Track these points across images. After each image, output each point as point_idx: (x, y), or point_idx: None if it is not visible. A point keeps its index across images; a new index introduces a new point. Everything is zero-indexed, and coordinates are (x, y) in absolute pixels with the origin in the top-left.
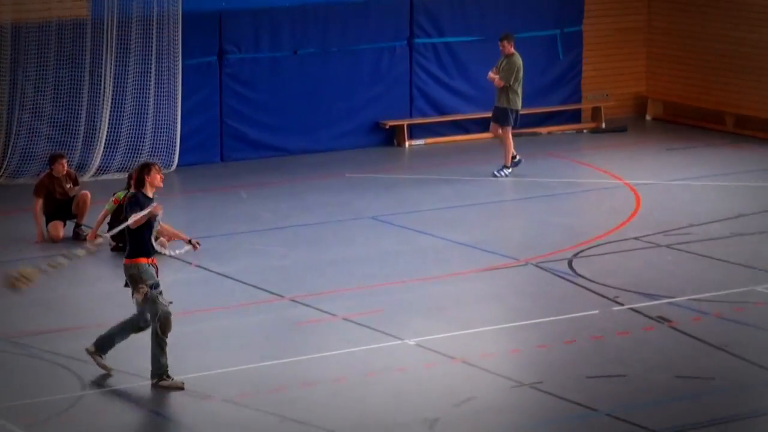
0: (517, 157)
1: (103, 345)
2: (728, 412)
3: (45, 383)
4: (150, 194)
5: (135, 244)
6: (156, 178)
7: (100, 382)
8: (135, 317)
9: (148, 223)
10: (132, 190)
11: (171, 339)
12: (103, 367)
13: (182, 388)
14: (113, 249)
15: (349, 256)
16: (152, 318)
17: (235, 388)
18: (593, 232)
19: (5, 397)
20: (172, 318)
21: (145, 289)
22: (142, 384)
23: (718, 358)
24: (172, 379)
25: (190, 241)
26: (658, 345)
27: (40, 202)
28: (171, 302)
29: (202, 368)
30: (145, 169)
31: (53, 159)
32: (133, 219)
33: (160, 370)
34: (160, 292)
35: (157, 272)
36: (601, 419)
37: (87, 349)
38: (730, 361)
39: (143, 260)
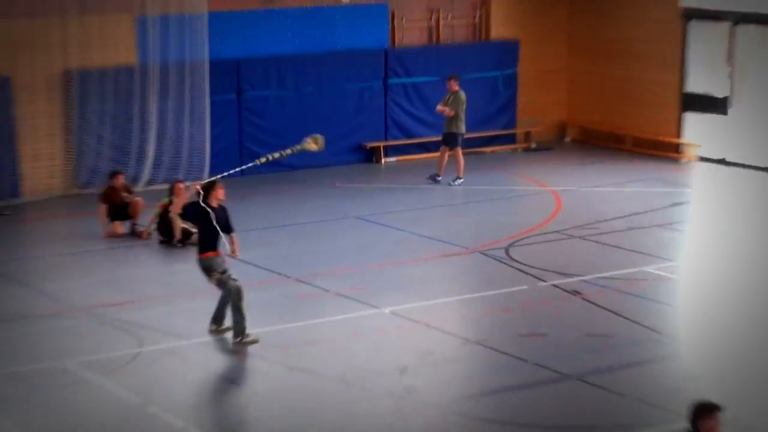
0: (437, 177)
1: (217, 319)
2: (624, 360)
3: (112, 343)
4: (214, 204)
5: (204, 243)
6: (219, 192)
7: (153, 341)
8: (223, 294)
9: (212, 226)
10: (196, 199)
11: (209, 307)
12: (252, 341)
13: (257, 341)
14: (161, 242)
15: (339, 246)
16: (227, 295)
17: (256, 346)
18: (524, 227)
19: (83, 353)
20: (243, 288)
21: (217, 275)
22: (186, 343)
23: (616, 321)
24: (249, 336)
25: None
26: (572, 312)
27: (104, 207)
28: (236, 279)
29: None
30: (212, 185)
31: (112, 174)
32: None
33: (241, 332)
34: (229, 275)
35: (222, 260)
36: (529, 367)
37: (211, 331)
38: (626, 323)
39: (211, 254)
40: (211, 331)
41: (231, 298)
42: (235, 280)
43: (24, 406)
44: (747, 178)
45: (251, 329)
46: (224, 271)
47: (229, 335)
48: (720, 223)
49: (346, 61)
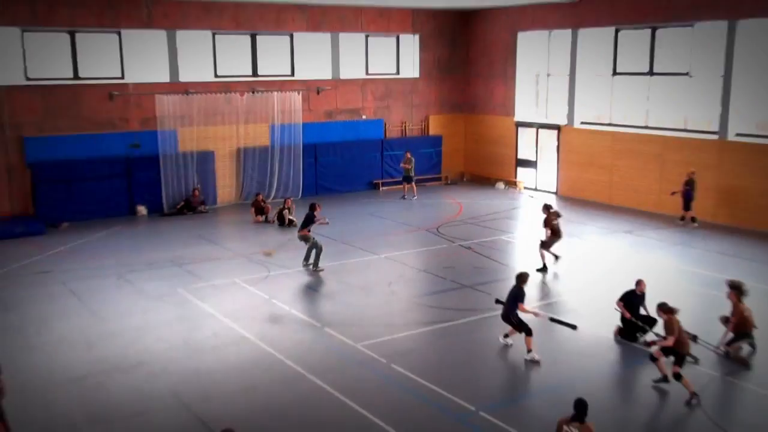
0: (407, 196)
1: (306, 258)
2: (490, 278)
3: (256, 270)
4: (318, 211)
5: (305, 225)
6: (318, 210)
7: (274, 270)
8: (317, 249)
9: (312, 218)
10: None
11: (300, 254)
12: (321, 269)
13: (323, 270)
14: (279, 225)
15: (360, 227)
16: (315, 246)
17: (323, 272)
18: (445, 219)
19: (243, 275)
20: (322, 245)
21: (311, 239)
22: (290, 271)
23: (487, 261)
24: (321, 268)
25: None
26: (467, 256)
27: (252, 209)
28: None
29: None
30: (315, 205)
31: (257, 194)
32: (318, 221)
33: (317, 265)
34: (315, 239)
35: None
36: (448, 282)
37: (304, 265)
38: (491, 261)
39: (306, 232)
40: (304, 266)
41: (317, 249)
42: (317, 241)
43: (216, 300)
44: (545, 197)
45: (322, 264)
46: (313, 240)
47: (311, 267)
48: (533, 215)
49: (365, 145)
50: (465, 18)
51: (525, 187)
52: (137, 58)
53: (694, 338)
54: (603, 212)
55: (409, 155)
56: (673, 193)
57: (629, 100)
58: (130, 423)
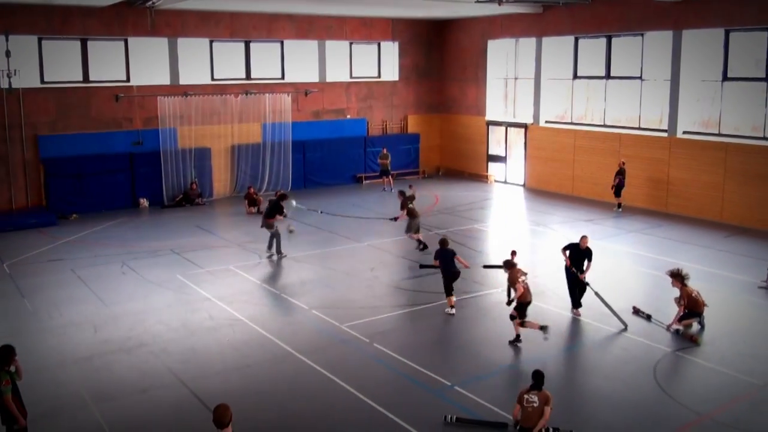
0: (386, 189)
1: (278, 249)
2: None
3: (248, 257)
4: (284, 201)
5: (271, 214)
6: (286, 199)
7: (264, 256)
8: (278, 237)
9: (279, 208)
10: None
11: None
12: (284, 256)
13: (285, 256)
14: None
15: (346, 217)
16: (276, 235)
17: (312, 256)
18: (423, 209)
19: (236, 262)
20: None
21: (275, 227)
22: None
23: (460, 246)
24: (284, 255)
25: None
26: (427, 237)
27: (246, 201)
28: (292, 230)
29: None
30: (284, 195)
31: (249, 187)
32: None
33: (280, 251)
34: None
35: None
36: (415, 265)
37: (277, 257)
38: (464, 247)
39: (272, 220)
40: (268, 256)
41: (278, 238)
42: (278, 230)
43: (212, 285)
44: (515, 189)
45: (306, 253)
46: (276, 226)
47: (274, 257)
48: (503, 206)
49: (349, 142)
50: (440, 27)
51: (495, 180)
52: (141, 63)
53: (648, 317)
54: (566, 203)
55: (385, 151)
56: (612, 187)
57: (589, 101)
58: (133, 399)
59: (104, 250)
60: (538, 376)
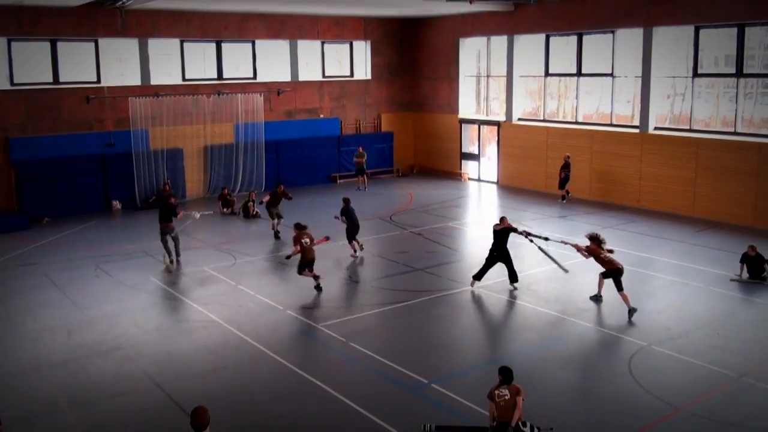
0: (361, 188)
1: (178, 251)
2: (437, 261)
3: (223, 259)
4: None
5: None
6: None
7: (240, 258)
8: (177, 241)
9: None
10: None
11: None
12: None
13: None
14: (244, 216)
15: (321, 217)
16: (176, 239)
17: (276, 271)
18: (397, 208)
19: (212, 263)
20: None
21: (174, 232)
22: (255, 258)
23: (435, 245)
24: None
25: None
26: (417, 241)
27: (219, 201)
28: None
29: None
30: (172, 196)
31: (223, 188)
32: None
33: (179, 254)
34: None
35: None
36: (401, 265)
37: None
38: (439, 246)
39: (171, 224)
40: (171, 262)
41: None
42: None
43: (186, 287)
44: (489, 187)
45: (279, 254)
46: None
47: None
48: (478, 204)
49: (323, 141)
50: (412, 25)
51: (469, 178)
52: (112, 64)
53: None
54: (540, 200)
55: (361, 150)
56: (562, 179)
57: (561, 98)
58: (109, 404)
59: (77, 253)
60: (506, 371)
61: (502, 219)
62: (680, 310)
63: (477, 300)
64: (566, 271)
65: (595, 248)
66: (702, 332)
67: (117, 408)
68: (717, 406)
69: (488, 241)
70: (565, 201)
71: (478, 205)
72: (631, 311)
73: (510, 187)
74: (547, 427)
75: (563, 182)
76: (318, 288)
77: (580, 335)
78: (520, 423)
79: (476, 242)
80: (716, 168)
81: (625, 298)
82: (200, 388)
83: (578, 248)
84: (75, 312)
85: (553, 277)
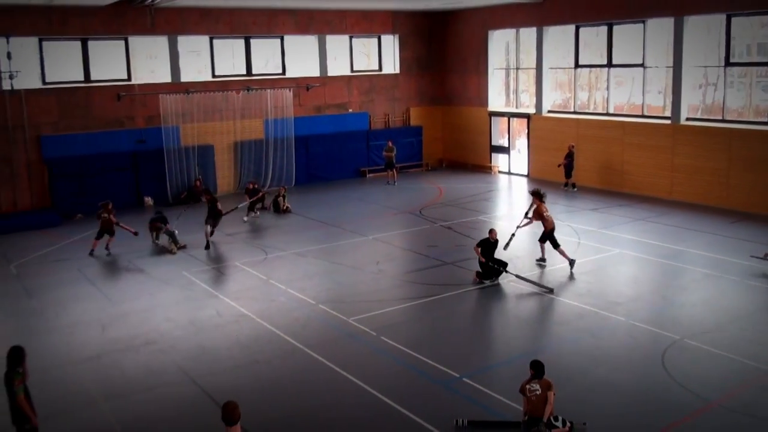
0: (390, 182)
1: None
2: (462, 256)
3: (254, 253)
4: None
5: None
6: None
7: (271, 252)
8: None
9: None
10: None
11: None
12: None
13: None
14: (274, 212)
15: (350, 210)
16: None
17: (307, 264)
18: (427, 202)
19: (242, 258)
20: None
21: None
22: (284, 253)
23: (464, 238)
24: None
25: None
26: (447, 234)
27: (246, 195)
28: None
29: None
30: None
31: (250, 183)
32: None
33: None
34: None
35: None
36: (431, 259)
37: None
38: (467, 238)
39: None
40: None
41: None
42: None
43: (218, 281)
44: (519, 179)
45: (311, 248)
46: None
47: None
48: (509, 196)
49: (352, 136)
50: (440, 18)
51: (499, 171)
52: (142, 61)
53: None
54: (570, 192)
55: (390, 144)
56: (559, 165)
57: (591, 90)
58: (142, 397)
59: (110, 248)
60: (537, 366)
61: (491, 231)
62: (714, 303)
63: (508, 294)
64: (551, 290)
65: (539, 204)
66: (736, 325)
67: (151, 401)
68: (751, 399)
69: (519, 234)
70: (575, 189)
71: (509, 199)
72: (572, 263)
73: (541, 179)
74: (580, 423)
75: (568, 170)
76: None
77: (612, 329)
78: (551, 418)
79: (506, 236)
80: (750, 158)
81: (563, 253)
82: (233, 382)
83: (527, 219)
84: (108, 306)
85: (584, 271)
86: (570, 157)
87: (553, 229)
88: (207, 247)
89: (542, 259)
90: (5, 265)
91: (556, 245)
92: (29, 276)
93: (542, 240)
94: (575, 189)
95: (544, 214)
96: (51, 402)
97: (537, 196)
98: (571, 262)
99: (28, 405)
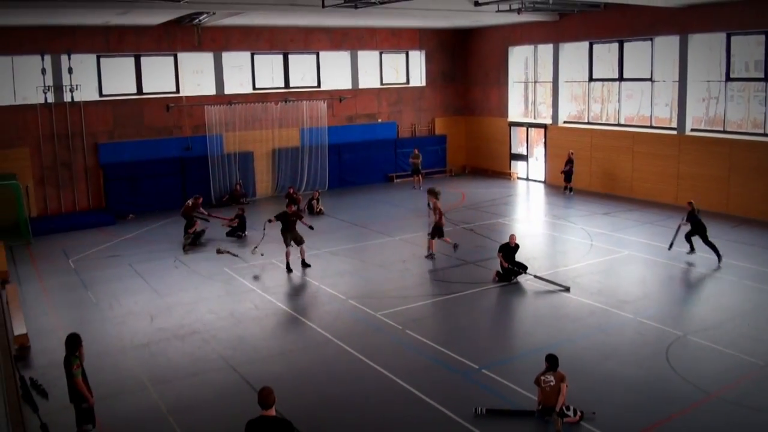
0: (416, 187)
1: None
2: (478, 255)
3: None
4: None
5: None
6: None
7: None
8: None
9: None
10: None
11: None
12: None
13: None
14: (309, 213)
15: (377, 212)
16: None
17: (350, 252)
18: (450, 206)
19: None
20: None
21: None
22: (317, 251)
23: (483, 239)
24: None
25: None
26: (469, 236)
27: (287, 200)
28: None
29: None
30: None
31: (290, 187)
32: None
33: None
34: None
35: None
36: (454, 260)
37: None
38: (487, 240)
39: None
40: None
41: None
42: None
43: (260, 277)
44: (535, 185)
45: (341, 247)
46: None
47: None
48: (526, 201)
49: (381, 144)
50: (464, 35)
51: (518, 177)
52: (189, 75)
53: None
54: (585, 197)
55: (416, 151)
56: (561, 172)
57: (604, 102)
58: (186, 382)
59: (158, 246)
60: (552, 359)
61: (512, 236)
62: (715, 302)
63: (525, 292)
64: (567, 288)
65: (435, 202)
66: (734, 323)
67: (194, 386)
68: (747, 392)
69: (536, 237)
70: (571, 192)
71: (527, 203)
72: (455, 246)
73: (557, 186)
74: (590, 412)
75: (568, 175)
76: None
77: (620, 326)
78: (563, 407)
79: (524, 237)
80: (748, 167)
81: (431, 244)
82: (269, 370)
83: (438, 218)
84: (156, 299)
85: (596, 271)
86: (570, 163)
87: (443, 225)
88: (289, 269)
89: (431, 254)
90: (65, 260)
91: (439, 236)
92: (86, 270)
93: (432, 236)
94: (571, 192)
95: (440, 208)
96: (104, 385)
97: (433, 195)
98: (455, 246)
99: (85, 386)
